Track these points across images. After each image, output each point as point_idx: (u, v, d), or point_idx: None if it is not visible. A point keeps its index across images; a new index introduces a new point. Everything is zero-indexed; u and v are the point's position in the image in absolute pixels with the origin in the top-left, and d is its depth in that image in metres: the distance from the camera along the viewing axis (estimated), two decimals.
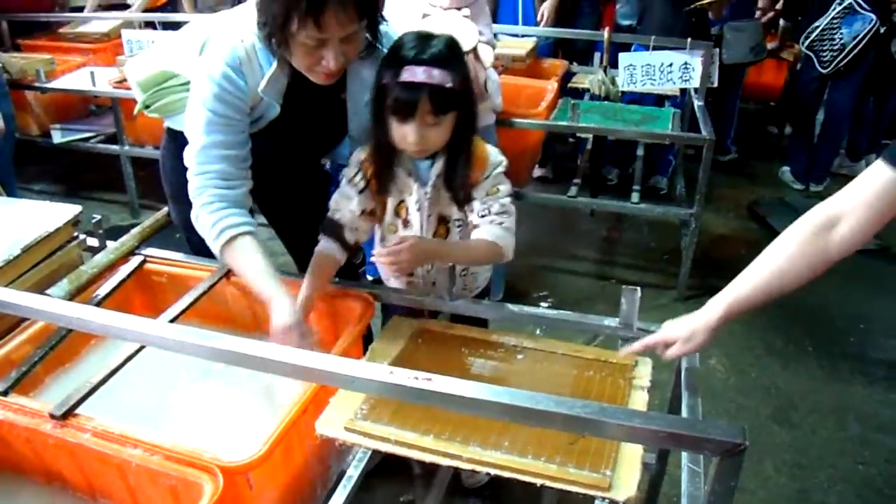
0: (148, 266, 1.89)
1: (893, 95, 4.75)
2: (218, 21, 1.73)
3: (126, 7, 5.16)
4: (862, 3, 4.01)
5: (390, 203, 1.68)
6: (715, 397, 2.70)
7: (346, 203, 1.66)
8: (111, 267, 1.83)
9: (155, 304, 1.85)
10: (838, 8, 4.08)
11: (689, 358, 1.43)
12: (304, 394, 1.36)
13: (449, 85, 1.45)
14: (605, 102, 3.79)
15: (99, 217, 1.93)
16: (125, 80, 3.33)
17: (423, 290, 1.77)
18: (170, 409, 1.57)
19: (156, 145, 3.31)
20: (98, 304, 1.71)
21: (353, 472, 1.43)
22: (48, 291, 1.66)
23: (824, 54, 4.21)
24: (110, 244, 1.90)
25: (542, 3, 4.40)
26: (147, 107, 1.95)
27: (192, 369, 1.66)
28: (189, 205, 1.65)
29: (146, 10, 4.97)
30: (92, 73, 3.86)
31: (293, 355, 0.98)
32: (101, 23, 4.81)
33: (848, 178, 1.23)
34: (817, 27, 4.18)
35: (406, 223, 1.68)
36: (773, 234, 1.29)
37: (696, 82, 3.47)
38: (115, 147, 4.01)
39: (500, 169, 1.65)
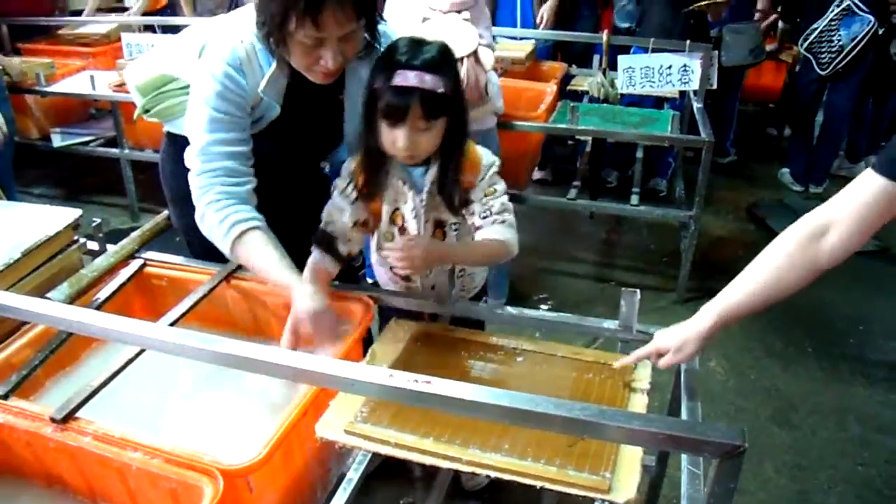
0: (148, 269, 1.89)
1: (893, 96, 4.76)
2: (217, 24, 1.73)
3: (125, 10, 5.17)
4: (860, 4, 4.02)
5: (385, 211, 1.67)
6: (714, 399, 2.71)
7: (338, 214, 1.66)
8: (111, 270, 1.84)
9: (155, 307, 1.85)
10: (836, 10, 4.09)
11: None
12: (304, 397, 1.36)
13: (440, 90, 1.45)
14: (605, 105, 3.80)
15: (99, 220, 1.93)
16: (125, 83, 3.34)
17: (423, 293, 1.77)
18: (170, 413, 1.57)
19: (156, 149, 3.31)
20: (98, 308, 1.70)
21: (353, 475, 1.43)
22: (48, 295, 1.66)
23: (823, 56, 4.22)
24: (110, 248, 1.90)
25: (541, 6, 4.41)
26: (146, 111, 1.95)
27: (192, 373, 1.66)
28: (189, 208, 1.64)
29: (145, 14, 4.98)
30: (92, 77, 3.86)
31: (293, 358, 0.98)
32: (101, 24, 4.82)
33: (847, 180, 1.23)
34: (816, 29, 4.19)
35: (403, 230, 1.68)
36: (772, 235, 1.29)
37: (695, 84, 3.47)
38: (114, 150, 4.02)
39: (495, 169, 1.65)
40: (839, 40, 4.12)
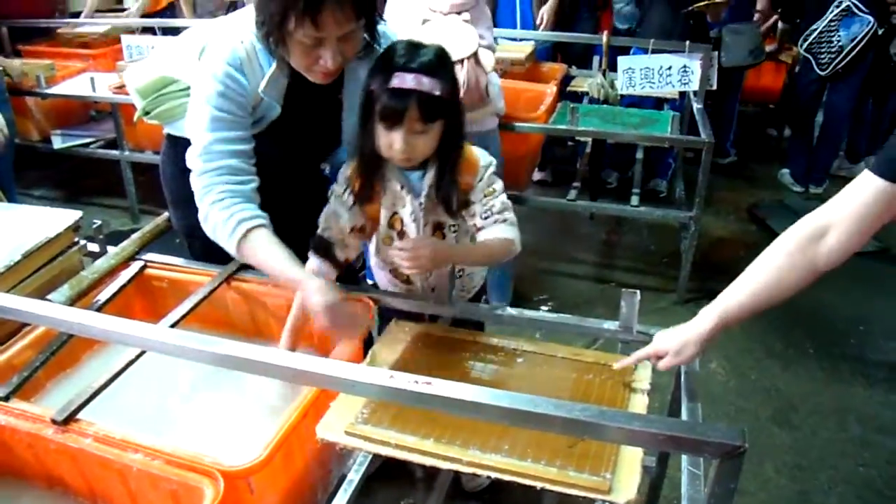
0: (148, 271, 1.89)
1: (893, 97, 4.76)
2: (217, 26, 1.73)
3: (124, 11, 5.18)
4: (860, 4, 4.02)
5: (383, 216, 1.67)
6: (715, 400, 2.71)
7: (335, 221, 1.66)
8: (112, 272, 1.84)
9: (155, 309, 1.85)
10: (836, 10, 4.09)
11: None
12: (305, 398, 1.36)
13: (437, 93, 1.45)
14: (604, 106, 3.80)
15: (99, 222, 1.93)
16: (125, 85, 3.34)
17: (423, 295, 1.77)
18: (171, 414, 1.57)
19: (156, 150, 3.31)
20: (99, 310, 1.71)
21: (354, 476, 1.43)
22: (49, 297, 1.66)
23: (822, 57, 4.22)
24: (111, 249, 1.90)
25: (541, 7, 4.41)
26: (147, 113, 1.95)
27: (192, 374, 1.66)
28: (190, 210, 1.64)
29: (145, 16, 4.99)
30: (92, 79, 3.87)
31: (293, 360, 0.98)
32: (99, 25, 4.83)
33: (847, 180, 1.23)
34: (815, 30, 4.19)
35: (402, 234, 1.68)
36: (772, 236, 1.29)
37: (694, 85, 3.47)
38: (115, 152, 4.02)
39: (492, 169, 1.65)
40: (839, 41, 4.12)
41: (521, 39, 4.12)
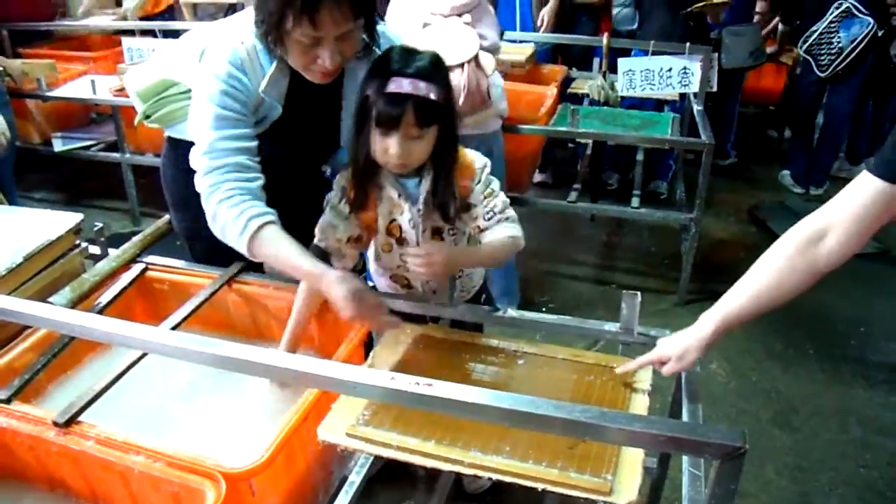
0: (149, 274, 1.90)
1: (893, 98, 4.76)
2: (217, 28, 1.74)
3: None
4: (859, 6, 4.02)
5: (381, 224, 1.67)
6: (716, 401, 2.71)
7: (331, 231, 1.64)
8: (113, 275, 1.84)
9: (157, 311, 1.86)
10: (836, 12, 4.08)
11: None
12: (306, 400, 1.36)
13: (433, 97, 1.46)
14: (605, 108, 3.80)
15: (100, 225, 1.94)
16: (125, 87, 3.35)
17: (424, 296, 1.77)
18: (172, 416, 1.58)
19: (157, 153, 3.32)
20: (100, 312, 1.71)
21: (356, 478, 1.44)
22: (50, 299, 1.67)
23: (822, 58, 4.22)
24: (112, 252, 1.90)
25: (541, 9, 4.41)
26: (147, 117, 1.95)
27: (193, 376, 1.66)
28: (190, 212, 1.64)
29: (146, 18, 5.00)
30: (93, 82, 3.87)
31: (295, 362, 0.98)
32: (98, 24, 4.87)
33: (847, 182, 1.23)
34: (815, 31, 4.19)
35: (400, 241, 1.68)
36: (773, 237, 1.30)
37: (695, 87, 3.48)
38: (115, 155, 4.02)
39: (488, 169, 1.65)
40: (839, 42, 4.12)
41: (521, 41, 4.12)
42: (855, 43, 4.07)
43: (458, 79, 2.42)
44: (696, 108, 3.48)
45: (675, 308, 3.33)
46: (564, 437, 1.26)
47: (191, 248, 2.00)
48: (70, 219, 1.82)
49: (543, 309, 3.30)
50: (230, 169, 1.55)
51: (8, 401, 1.40)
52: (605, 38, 3.90)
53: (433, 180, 1.58)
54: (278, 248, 1.53)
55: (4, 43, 4.74)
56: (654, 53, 3.56)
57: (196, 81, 1.65)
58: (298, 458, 1.40)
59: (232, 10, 4.79)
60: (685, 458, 1.25)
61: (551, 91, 3.69)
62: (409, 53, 1.50)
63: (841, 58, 4.14)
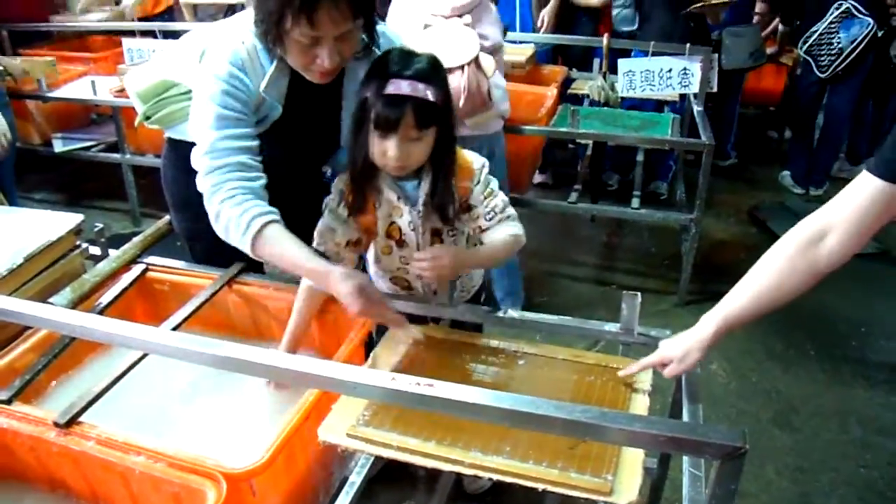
0: (150, 274, 1.90)
1: (893, 98, 4.76)
2: (217, 29, 1.74)
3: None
4: (859, 6, 4.02)
5: (380, 226, 1.67)
6: (716, 402, 2.71)
7: (330, 235, 1.64)
8: (113, 275, 1.84)
9: (157, 312, 1.86)
10: (836, 12, 4.09)
11: None
12: (307, 400, 1.36)
13: (432, 99, 1.46)
14: (605, 108, 3.80)
15: (101, 226, 1.94)
16: (126, 88, 3.35)
17: (425, 297, 1.78)
18: (173, 417, 1.58)
19: (157, 153, 3.32)
20: (101, 313, 1.71)
21: (356, 479, 1.44)
22: (51, 300, 1.67)
23: (822, 59, 4.22)
24: (112, 253, 1.90)
25: (541, 10, 4.41)
26: (147, 118, 1.95)
27: (194, 377, 1.66)
28: (191, 213, 1.64)
29: (146, 18, 5.00)
30: (93, 82, 3.87)
31: (295, 362, 0.98)
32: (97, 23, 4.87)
33: (848, 182, 1.23)
34: (815, 32, 4.19)
35: (401, 243, 1.68)
36: (773, 238, 1.30)
37: (695, 88, 3.48)
38: (116, 156, 4.02)
39: (486, 169, 1.66)
40: (839, 43, 4.12)
41: (521, 42, 4.12)
42: (855, 43, 4.07)
43: (458, 81, 2.43)
44: (696, 108, 3.48)
45: (676, 308, 3.33)
46: (565, 438, 1.26)
47: (191, 249, 2.00)
48: (70, 219, 1.82)
49: (544, 309, 3.30)
50: (232, 168, 1.54)
51: (9, 401, 1.40)
52: (605, 39, 3.90)
53: (432, 182, 1.58)
54: (282, 246, 1.53)
55: (4, 43, 4.75)
56: (654, 54, 3.56)
57: (196, 82, 1.65)
58: (299, 458, 1.40)
59: (232, 10, 4.79)
60: (685, 459, 1.25)
61: (551, 92, 3.69)
62: (407, 55, 1.50)
63: (841, 58, 4.14)
